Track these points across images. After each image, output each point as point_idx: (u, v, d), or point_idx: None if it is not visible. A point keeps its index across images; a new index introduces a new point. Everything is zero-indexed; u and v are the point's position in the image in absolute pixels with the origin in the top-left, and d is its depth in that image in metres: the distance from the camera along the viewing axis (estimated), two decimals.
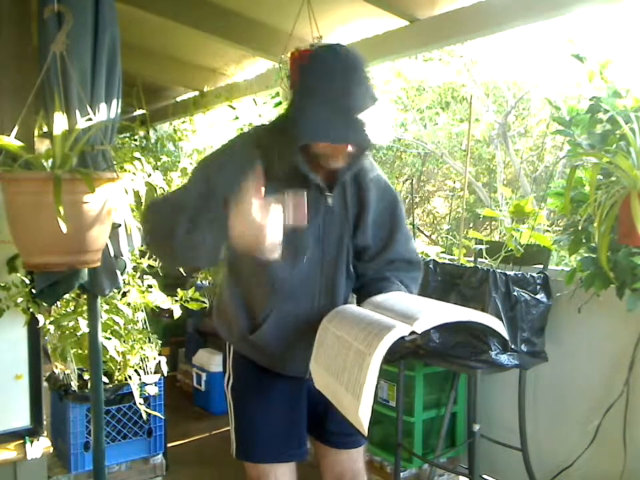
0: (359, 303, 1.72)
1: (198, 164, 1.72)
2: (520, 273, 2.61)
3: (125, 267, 2.24)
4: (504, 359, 2.44)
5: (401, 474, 2.87)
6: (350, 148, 1.54)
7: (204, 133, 5.04)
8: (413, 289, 1.79)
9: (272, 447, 1.78)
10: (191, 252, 1.52)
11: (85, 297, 2.35)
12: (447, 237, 3.89)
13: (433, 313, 1.41)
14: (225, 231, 1.46)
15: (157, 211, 1.61)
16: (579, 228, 2.38)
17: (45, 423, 2.61)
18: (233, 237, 1.45)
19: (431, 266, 2.72)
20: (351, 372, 1.35)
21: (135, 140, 4.83)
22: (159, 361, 2.97)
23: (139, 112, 4.97)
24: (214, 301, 1.96)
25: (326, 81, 1.50)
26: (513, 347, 2.49)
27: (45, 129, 2.07)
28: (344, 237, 1.72)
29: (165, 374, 2.99)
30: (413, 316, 1.37)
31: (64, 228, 1.62)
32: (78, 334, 2.66)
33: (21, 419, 2.53)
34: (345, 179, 1.67)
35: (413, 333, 1.35)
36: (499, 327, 1.46)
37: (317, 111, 1.47)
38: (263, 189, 1.43)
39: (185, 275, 3.18)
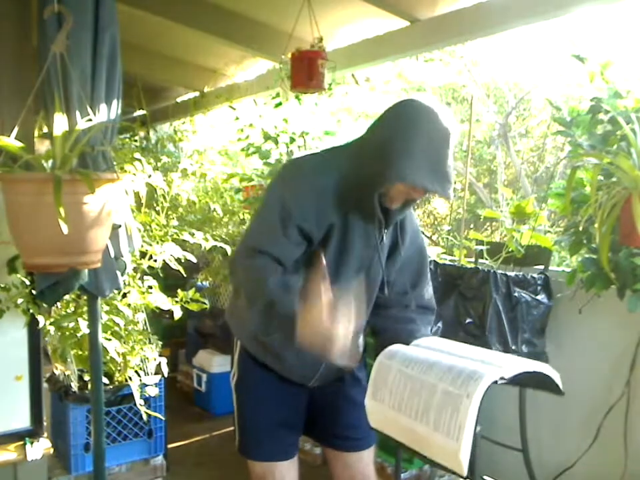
0: (389, 341, 1.71)
1: (272, 193, 1.73)
2: (521, 273, 2.60)
3: (125, 268, 2.23)
4: None
5: (402, 475, 2.86)
6: (420, 197, 1.61)
7: (204, 134, 5.04)
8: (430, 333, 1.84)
9: (275, 446, 1.81)
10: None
11: (85, 297, 2.34)
12: (447, 238, 3.87)
13: (513, 361, 1.48)
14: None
15: (244, 271, 1.68)
16: (580, 229, 2.37)
17: (45, 424, 2.61)
18: (300, 341, 1.48)
19: (431, 267, 2.72)
20: (440, 412, 1.37)
21: (135, 140, 4.84)
22: (159, 362, 2.96)
23: (139, 112, 4.97)
24: (230, 296, 1.99)
25: (431, 129, 1.51)
26: (513, 347, 2.49)
27: (45, 129, 2.06)
28: (381, 271, 1.77)
29: (165, 375, 2.98)
30: (498, 363, 1.43)
31: (64, 229, 1.62)
32: (78, 335, 2.65)
33: (21, 420, 2.52)
34: (397, 220, 1.73)
35: (502, 378, 1.40)
36: (559, 380, 1.54)
37: (420, 155, 1.49)
38: (329, 291, 1.47)
39: (185, 275, 3.17)
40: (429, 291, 1.88)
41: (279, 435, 1.82)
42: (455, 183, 9.65)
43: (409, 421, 1.44)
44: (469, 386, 1.34)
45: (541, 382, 1.54)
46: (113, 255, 2.14)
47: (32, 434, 2.53)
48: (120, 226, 2.14)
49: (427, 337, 1.74)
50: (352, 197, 1.62)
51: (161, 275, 2.91)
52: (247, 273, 1.66)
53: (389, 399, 1.50)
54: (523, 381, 1.56)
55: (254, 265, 1.62)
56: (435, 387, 1.40)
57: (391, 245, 1.77)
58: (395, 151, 1.51)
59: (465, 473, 1.34)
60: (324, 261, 1.51)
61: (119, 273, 2.19)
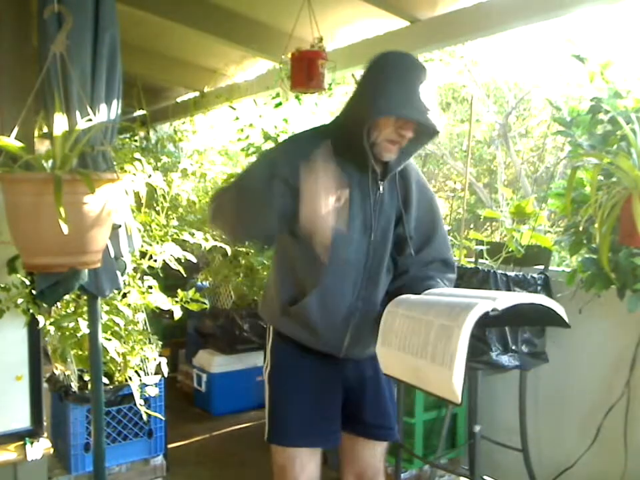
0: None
1: (262, 153, 1.86)
2: (521, 273, 2.60)
3: (125, 268, 2.23)
4: (505, 359, 2.44)
5: (402, 475, 2.86)
6: (411, 134, 1.66)
7: (204, 134, 5.04)
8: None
9: (304, 431, 1.82)
10: (249, 230, 1.73)
11: (85, 297, 2.34)
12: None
13: (510, 294, 1.51)
14: (281, 213, 1.63)
15: (222, 195, 1.76)
16: (580, 229, 2.37)
17: (45, 424, 2.61)
18: (302, 213, 1.57)
19: None
20: (436, 345, 1.43)
21: (135, 140, 4.83)
22: (159, 362, 2.96)
23: (139, 112, 4.97)
24: (263, 293, 2.06)
25: (401, 68, 1.67)
26: (513, 347, 2.49)
27: (45, 129, 2.07)
28: (390, 225, 1.80)
29: (165, 375, 2.98)
30: (492, 296, 1.47)
31: (64, 229, 1.62)
32: (78, 335, 2.65)
33: (21, 420, 2.52)
34: (396, 170, 1.77)
35: (494, 310, 1.43)
36: (563, 312, 1.53)
37: (394, 88, 1.62)
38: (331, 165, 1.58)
39: (185, 275, 3.18)
40: (446, 245, 1.90)
41: (311, 421, 1.82)
42: (455, 182, 9.67)
43: (411, 358, 1.50)
44: (460, 316, 1.40)
45: (542, 317, 1.57)
46: (113, 255, 2.14)
47: (32, 434, 2.53)
48: (120, 226, 2.14)
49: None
50: (344, 151, 1.70)
51: (161, 275, 2.91)
52: (223, 196, 1.76)
53: (395, 341, 1.56)
54: (523, 316, 1.61)
55: (229, 188, 1.76)
56: (432, 323, 1.46)
57: (398, 202, 1.80)
58: (371, 91, 1.65)
59: (458, 399, 1.39)
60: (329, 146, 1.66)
61: (119, 273, 2.19)
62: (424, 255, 1.84)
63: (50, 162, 1.86)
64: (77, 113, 1.99)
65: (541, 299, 1.53)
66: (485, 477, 2.79)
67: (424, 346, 1.46)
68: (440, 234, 1.88)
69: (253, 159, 3.84)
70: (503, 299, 1.45)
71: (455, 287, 2.45)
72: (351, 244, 1.73)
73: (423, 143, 1.76)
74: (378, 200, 1.76)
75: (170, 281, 3.43)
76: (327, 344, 1.81)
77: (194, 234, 2.98)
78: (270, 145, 3.70)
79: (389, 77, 1.65)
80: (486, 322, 1.50)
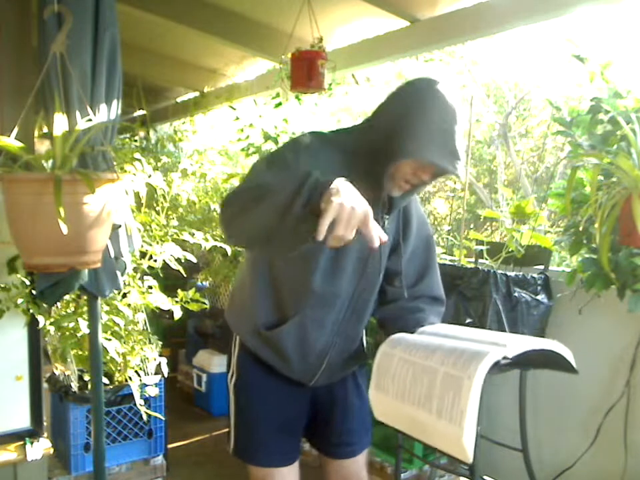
0: (396, 331, 1.67)
1: (278, 152, 1.62)
2: (521, 273, 2.60)
3: (125, 268, 2.23)
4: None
5: (402, 475, 2.86)
6: (428, 177, 1.56)
7: (204, 134, 5.04)
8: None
9: (273, 452, 1.77)
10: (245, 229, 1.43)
11: (85, 298, 2.34)
12: (447, 238, 3.88)
13: (520, 340, 1.41)
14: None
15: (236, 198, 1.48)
16: (580, 229, 2.37)
17: (45, 424, 2.61)
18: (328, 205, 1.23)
19: None
20: (442, 398, 1.31)
21: (135, 141, 4.83)
22: (159, 362, 2.96)
23: (139, 112, 4.98)
24: (230, 293, 1.96)
25: (439, 108, 1.49)
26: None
27: (45, 129, 2.06)
28: (385, 258, 1.74)
29: (165, 375, 2.99)
30: (501, 342, 1.36)
31: (64, 229, 1.62)
32: (78, 335, 2.65)
33: (21, 420, 2.52)
34: (401, 206, 1.70)
35: (505, 358, 1.35)
36: (572, 358, 1.46)
37: (427, 130, 1.47)
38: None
39: (185, 275, 3.18)
40: (437, 282, 1.85)
41: (278, 440, 1.78)
42: (455, 182, 9.67)
43: (412, 409, 1.39)
44: (470, 367, 1.28)
45: (550, 361, 1.47)
46: (113, 255, 2.14)
47: (32, 434, 2.53)
48: (120, 226, 2.14)
49: (438, 324, 1.72)
50: (358, 179, 1.49)
51: (161, 275, 2.91)
52: (242, 194, 1.46)
53: (392, 387, 1.45)
54: (531, 361, 1.50)
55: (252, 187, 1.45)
56: (436, 372, 1.35)
57: (397, 234, 1.74)
58: (403, 128, 1.49)
59: (470, 459, 1.28)
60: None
61: (119, 273, 2.19)
62: (415, 290, 1.80)
63: (50, 162, 1.86)
64: (77, 112, 1.99)
65: (552, 344, 1.43)
66: (484, 477, 2.78)
67: (428, 397, 1.35)
68: (433, 272, 1.83)
69: (253, 158, 3.84)
70: (514, 346, 1.35)
71: (453, 288, 2.44)
72: (343, 276, 1.65)
73: (432, 181, 1.65)
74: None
75: (170, 281, 3.43)
76: (297, 373, 1.76)
77: (194, 234, 2.98)
78: (270, 145, 3.70)
79: (425, 117, 1.48)
80: (495, 369, 1.41)
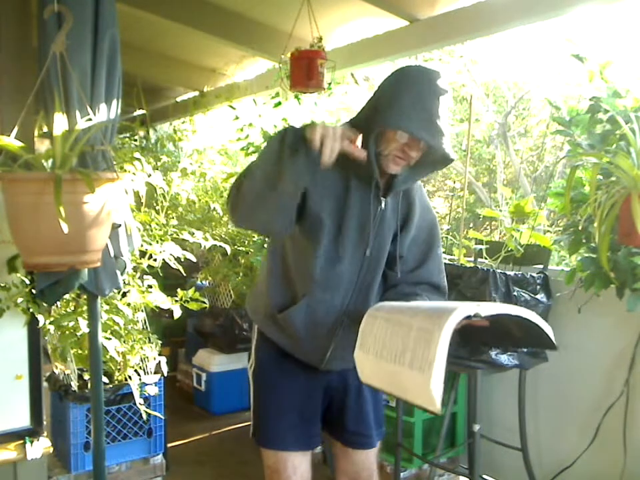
0: None
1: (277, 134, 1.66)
2: (520, 273, 2.60)
3: (125, 267, 2.24)
4: (504, 358, 2.44)
5: (401, 474, 2.87)
6: (416, 154, 1.60)
7: (204, 133, 5.04)
8: None
9: (289, 435, 1.82)
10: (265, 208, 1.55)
11: (85, 297, 2.34)
12: (447, 237, 3.88)
13: (495, 304, 1.44)
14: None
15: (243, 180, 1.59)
16: (579, 228, 2.38)
17: (45, 423, 2.60)
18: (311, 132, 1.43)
19: None
20: (414, 350, 1.35)
21: (135, 140, 4.82)
22: (159, 361, 2.97)
23: (139, 112, 4.97)
24: (252, 289, 2.04)
25: (420, 85, 1.56)
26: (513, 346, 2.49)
27: (45, 129, 2.06)
28: (387, 242, 1.77)
29: (165, 374, 2.99)
30: (476, 303, 1.41)
31: (64, 228, 1.62)
32: (78, 334, 2.66)
33: (21, 419, 2.52)
34: (400, 189, 1.72)
35: (476, 315, 1.38)
36: (550, 330, 1.49)
37: (409, 103, 1.53)
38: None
39: (184, 275, 3.18)
40: (438, 270, 1.86)
41: (294, 423, 1.82)
42: (454, 182, 9.67)
43: (389, 364, 1.43)
44: (441, 319, 1.32)
45: (530, 337, 1.50)
46: (112, 254, 2.14)
47: (32, 433, 2.52)
48: (120, 225, 2.14)
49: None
50: (351, 161, 1.57)
51: (161, 274, 2.91)
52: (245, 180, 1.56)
53: (373, 346, 1.49)
54: (510, 335, 1.54)
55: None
56: (411, 326, 1.39)
57: (397, 218, 1.76)
58: (383, 104, 1.57)
59: (437, 407, 1.31)
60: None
61: (118, 272, 2.19)
62: (414, 275, 1.82)
63: (50, 161, 1.87)
64: (77, 112, 1.99)
65: (528, 313, 1.45)
66: (484, 476, 2.79)
67: (403, 351, 1.39)
68: (434, 258, 1.85)
69: (253, 158, 3.84)
70: (487, 306, 1.40)
71: (452, 287, 2.45)
72: (344, 257, 1.70)
73: (435, 168, 1.71)
74: (378, 216, 1.72)
75: (170, 280, 3.42)
76: (307, 355, 1.81)
77: (193, 233, 2.99)
78: None
79: (404, 90, 1.56)
80: (469, 335, 1.46)
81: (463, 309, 1.35)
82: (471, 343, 2.29)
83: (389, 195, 1.71)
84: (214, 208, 3.78)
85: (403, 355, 1.38)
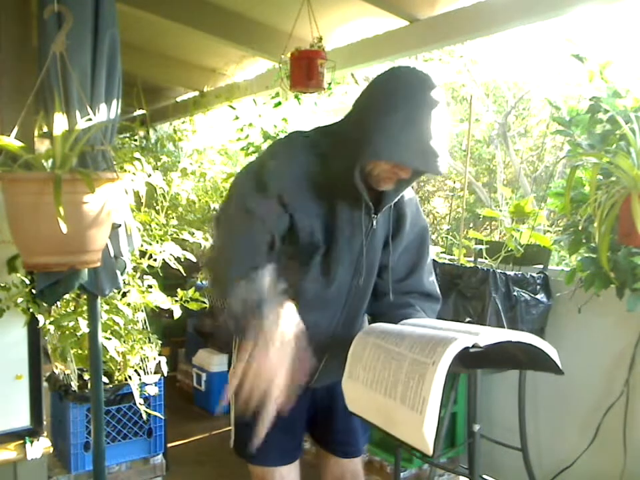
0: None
1: (248, 172, 1.61)
2: (520, 273, 2.60)
3: (125, 267, 2.24)
4: None
5: (401, 474, 2.86)
6: (408, 175, 1.49)
7: (204, 133, 5.04)
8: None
9: (273, 451, 1.76)
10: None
11: (85, 297, 2.34)
12: (446, 237, 3.88)
13: (495, 330, 1.34)
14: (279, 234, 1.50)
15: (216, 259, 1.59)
16: (579, 228, 2.38)
17: (45, 423, 2.61)
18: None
19: None
20: (407, 384, 1.26)
21: (135, 140, 4.83)
22: (159, 361, 2.97)
23: (139, 112, 4.97)
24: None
25: (409, 104, 1.41)
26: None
27: (45, 129, 2.06)
28: (378, 257, 1.71)
29: (165, 374, 2.99)
30: (475, 331, 1.31)
31: (64, 228, 1.62)
32: (78, 334, 2.66)
33: (21, 419, 2.52)
34: (392, 201, 1.62)
35: (475, 346, 1.29)
36: (555, 354, 1.38)
37: (399, 128, 1.39)
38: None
39: (184, 275, 3.18)
40: (429, 278, 1.81)
41: (278, 438, 1.72)
42: (454, 182, 9.67)
43: (379, 396, 1.33)
44: (436, 352, 1.22)
45: (534, 360, 1.39)
46: (112, 254, 2.14)
47: (32, 433, 2.53)
48: (120, 225, 2.14)
49: (419, 318, 1.67)
50: (337, 180, 1.53)
51: (161, 274, 2.91)
52: (231, 227, 1.55)
53: (363, 375, 1.39)
54: (513, 358, 1.44)
55: (242, 222, 1.51)
56: (404, 358, 1.28)
57: (388, 230, 1.69)
58: (372, 126, 1.42)
59: (430, 450, 1.20)
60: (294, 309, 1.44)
61: (118, 272, 2.19)
62: (405, 285, 1.76)
63: (50, 161, 1.86)
64: (77, 112, 1.99)
65: (531, 338, 1.34)
66: (484, 476, 2.79)
67: (394, 384, 1.28)
68: (424, 267, 1.78)
69: (253, 158, 3.85)
70: (487, 335, 1.28)
71: (452, 287, 2.43)
72: (334, 280, 1.62)
73: (423, 175, 1.59)
74: (369, 236, 1.64)
75: (169, 280, 3.42)
76: None
77: (193, 233, 2.99)
78: (269, 144, 3.70)
79: (392, 110, 1.40)
80: (469, 362, 1.37)
81: (460, 341, 1.24)
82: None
83: (380, 211, 1.62)
84: (214, 208, 3.78)
85: (395, 388, 1.28)
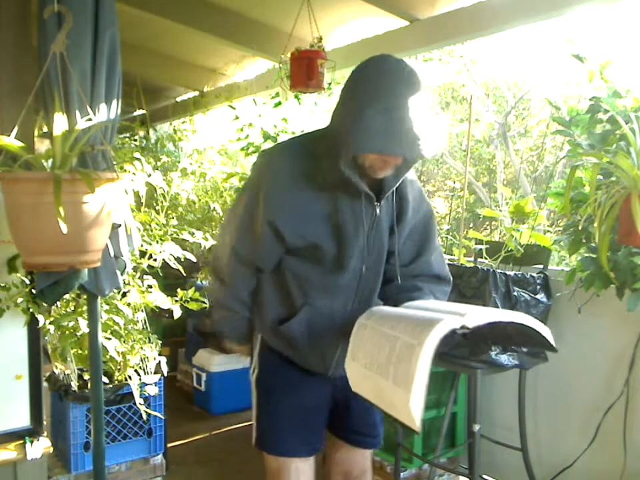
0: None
1: (243, 195, 1.78)
2: (520, 273, 2.60)
3: (125, 267, 2.24)
4: (504, 358, 2.44)
5: (401, 474, 2.86)
6: (399, 161, 1.55)
7: (204, 133, 5.04)
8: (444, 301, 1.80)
9: (293, 441, 1.80)
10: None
11: (85, 297, 2.34)
12: (447, 237, 3.88)
13: (484, 311, 1.39)
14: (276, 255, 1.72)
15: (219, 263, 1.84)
16: (579, 228, 2.38)
17: (45, 423, 2.61)
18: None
19: None
20: (398, 365, 1.32)
21: (135, 140, 4.83)
22: (159, 361, 2.97)
23: (139, 112, 4.97)
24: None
25: (385, 93, 1.47)
26: (512, 346, 2.49)
27: (45, 129, 2.07)
28: (384, 246, 1.74)
29: (165, 374, 2.99)
30: (464, 311, 1.35)
31: (64, 228, 1.62)
32: (78, 334, 2.66)
33: (21, 419, 2.52)
34: (393, 187, 1.66)
35: (463, 327, 1.33)
36: (548, 333, 1.42)
37: (374, 122, 1.44)
38: None
39: (184, 275, 3.18)
40: (438, 261, 1.84)
41: (297, 430, 1.80)
42: (454, 182, 9.68)
43: (376, 377, 1.40)
44: (422, 333, 1.28)
45: (528, 338, 1.44)
46: (112, 254, 2.14)
47: (32, 433, 2.53)
48: (120, 225, 2.14)
49: (423, 300, 1.71)
50: (331, 177, 1.58)
51: (161, 274, 2.91)
52: (223, 272, 1.83)
53: (362, 357, 1.46)
54: (505, 337, 1.48)
55: (232, 269, 1.78)
56: (396, 340, 1.35)
57: (392, 215, 1.72)
58: (352, 118, 1.47)
59: (417, 425, 1.28)
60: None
61: (118, 272, 2.19)
62: (413, 268, 1.80)
63: (50, 161, 1.86)
64: (77, 112, 1.99)
65: (521, 317, 1.39)
66: (484, 476, 2.79)
67: (387, 365, 1.35)
68: (431, 250, 1.82)
69: (253, 158, 3.85)
70: (474, 316, 1.33)
71: (453, 287, 2.43)
72: (344, 274, 1.68)
73: (409, 164, 1.64)
74: (374, 225, 1.69)
75: (169, 280, 3.43)
76: (312, 365, 1.79)
77: (193, 233, 2.99)
78: (269, 144, 3.70)
79: (367, 104, 1.46)
80: (464, 341, 1.41)
81: (446, 323, 1.29)
82: (470, 342, 2.27)
83: (382, 199, 1.67)
84: (214, 208, 3.78)
85: (387, 369, 1.35)
